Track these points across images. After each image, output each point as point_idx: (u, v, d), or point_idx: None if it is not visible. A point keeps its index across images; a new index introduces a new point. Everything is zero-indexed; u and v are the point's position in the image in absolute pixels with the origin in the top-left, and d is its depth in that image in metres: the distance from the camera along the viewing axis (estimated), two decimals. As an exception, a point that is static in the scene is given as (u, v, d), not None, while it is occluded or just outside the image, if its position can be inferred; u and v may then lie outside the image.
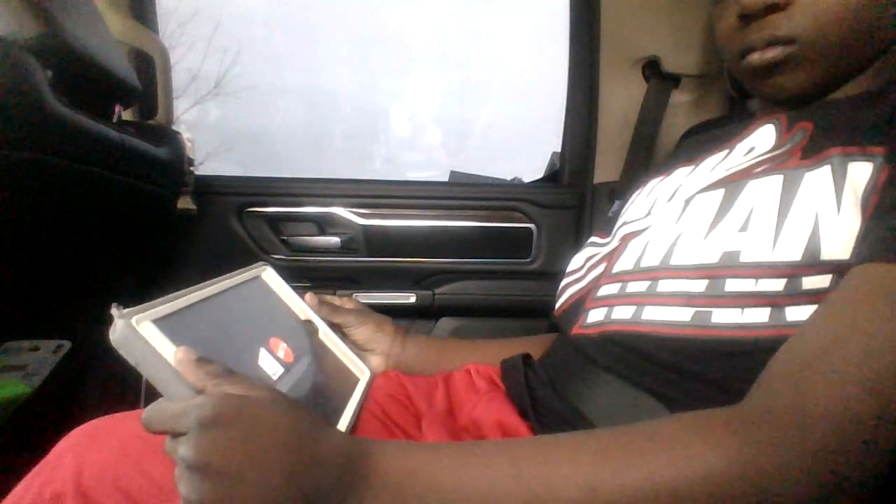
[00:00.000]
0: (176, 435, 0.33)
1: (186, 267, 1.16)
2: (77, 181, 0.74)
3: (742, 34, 0.52)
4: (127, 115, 1.10)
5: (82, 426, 0.51)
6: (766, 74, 0.52)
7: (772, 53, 0.50)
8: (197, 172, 1.11)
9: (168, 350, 0.37)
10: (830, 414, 0.32)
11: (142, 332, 0.36)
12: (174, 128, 1.11)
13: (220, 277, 0.50)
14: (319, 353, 0.58)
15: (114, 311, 0.36)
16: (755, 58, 0.51)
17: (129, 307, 0.37)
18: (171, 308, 0.40)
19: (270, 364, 0.48)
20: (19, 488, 0.48)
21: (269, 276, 0.60)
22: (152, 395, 1.22)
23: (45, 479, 0.47)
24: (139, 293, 1.09)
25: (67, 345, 0.90)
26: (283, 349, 0.51)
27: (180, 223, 1.09)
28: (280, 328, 0.54)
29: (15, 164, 0.63)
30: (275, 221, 1.18)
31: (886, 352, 0.33)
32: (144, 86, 0.97)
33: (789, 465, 0.32)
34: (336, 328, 0.65)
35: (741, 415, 0.35)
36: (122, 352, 0.36)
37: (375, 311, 0.70)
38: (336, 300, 0.69)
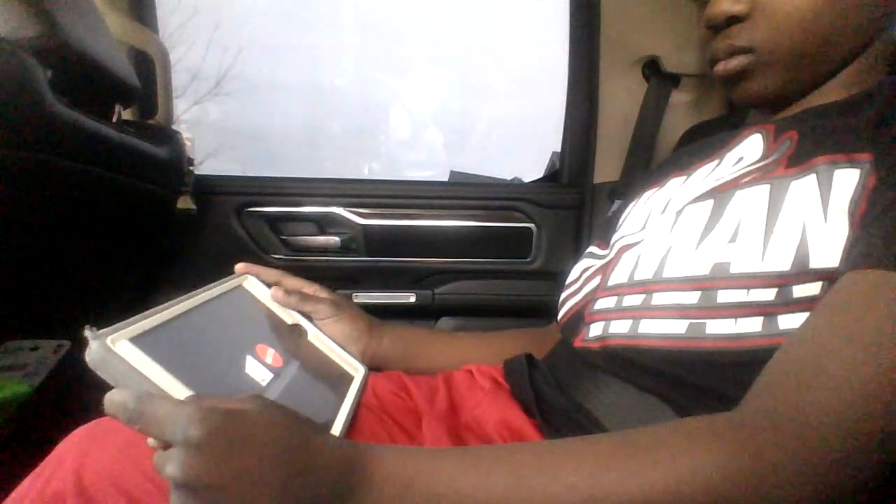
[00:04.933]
0: (161, 443, 0.33)
1: (186, 267, 1.16)
2: (77, 181, 0.74)
3: (711, 44, 0.55)
4: (127, 114, 1.10)
5: (83, 426, 0.51)
6: (732, 82, 0.55)
7: (733, 63, 0.53)
8: (197, 172, 1.11)
9: (148, 367, 0.36)
10: (827, 420, 0.33)
11: (118, 352, 0.36)
12: (174, 127, 1.11)
13: (199, 290, 0.50)
14: (310, 355, 0.57)
15: (87, 332, 0.35)
16: (720, 67, 0.54)
17: (108, 324, 0.37)
18: (148, 325, 0.40)
19: (258, 370, 0.47)
20: (20, 488, 0.48)
21: (251, 284, 0.59)
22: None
23: (46, 479, 0.47)
24: (139, 293, 1.10)
25: (67, 345, 0.90)
26: (271, 355, 0.50)
27: (180, 223, 1.09)
28: (267, 334, 0.54)
29: (15, 164, 0.63)
30: (274, 221, 1.18)
31: (880, 356, 0.33)
32: (144, 86, 0.97)
33: (789, 472, 0.32)
34: (308, 319, 0.63)
35: (740, 422, 0.35)
36: (100, 373, 0.35)
37: (351, 303, 0.67)
38: (307, 287, 0.65)
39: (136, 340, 0.37)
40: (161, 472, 0.32)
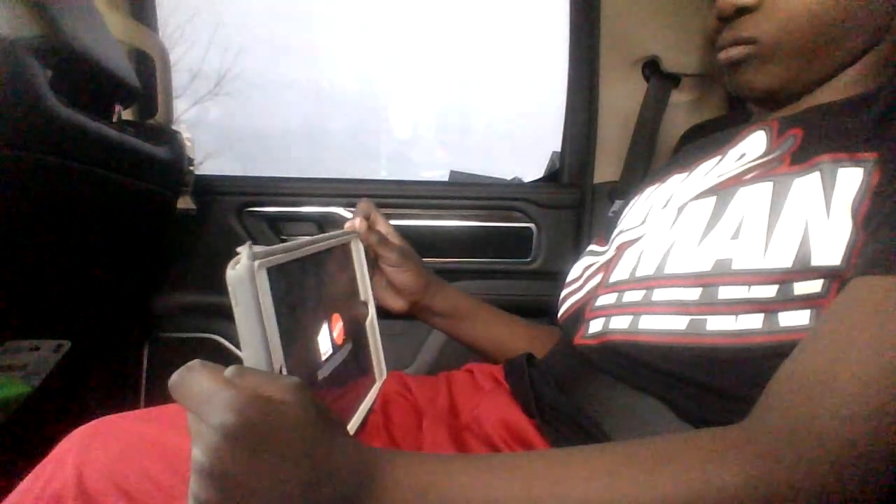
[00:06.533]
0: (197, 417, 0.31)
1: (186, 267, 1.16)
2: (77, 181, 0.74)
3: (719, 34, 0.56)
4: (127, 114, 1.10)
5: (83, 426, 0.51)
6: (733, 71, 0.56)
7: (735, 51, 0.54)
8: (197, 172, 1.11)
9: (265, 301, 0.36)
10: (842, 433, 0.32)
11: (257, 277, 0.35)
12: (174, 127, 1.11)
13: (317, 236, 0.49)
14: (360, 341, 0.57)
15: (245, 248, 0.35)
16: (722, 55, 0.56)
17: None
18: (285, 259, 0.40)
19: (325, 341, 0.46)
20: (21, 488, 0.48)
21: (356, 246, 0.59)
22: (152, 394, 1.22)
23: (47, 479, 0.47)
24: (139, 293, 1.10)
25: (67, 345, 0.90)
26: (338, 328, 0.50)
27: (180, 223, 1.09)
28: (343, 305, 0.53)
29: (15, 164, 0.63)
30: (275, 221, 1.18)
31: (891, 365, 0.33)
32: (144, 86, 0.97)
33: (804, 487, 0.32)
34: (373, 257, 0.63)
35: (754, 435, 0.34)
36: (231, 289, 0.35)
37: (416, 257, 0.68)
38: (384, 226, 0.66)
39: (271, 272, 0.37)
40: (192, 437, 0.31)
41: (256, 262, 0.35)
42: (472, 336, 0.72)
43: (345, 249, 0.57)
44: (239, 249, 0.35)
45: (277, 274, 0.38)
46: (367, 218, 0.63)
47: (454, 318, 0.70)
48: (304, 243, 0.44)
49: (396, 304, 0.67)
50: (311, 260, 0.46)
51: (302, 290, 0.44)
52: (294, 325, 0.41)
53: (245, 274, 0.35)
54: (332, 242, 0.52)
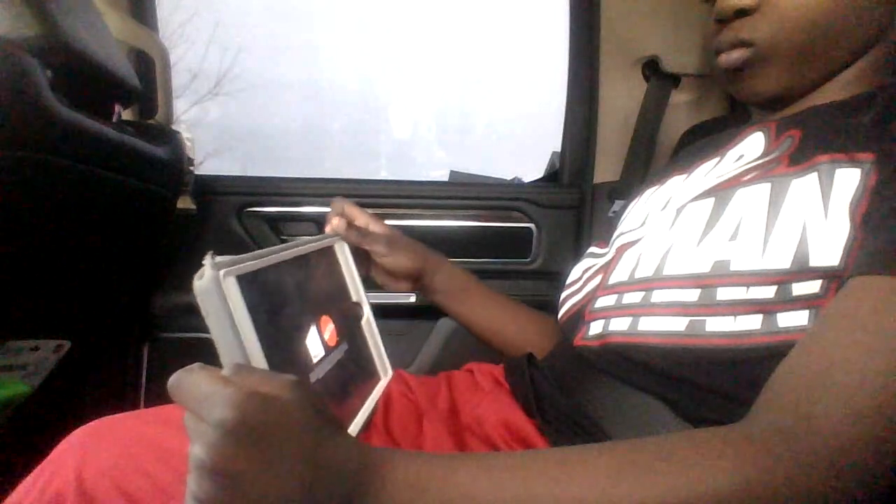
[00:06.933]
0: (196, 416, 0.32)
1: (186, 267, 1.16)
2: (77, 181, 0.74)
3: (717, 37, 0.55)
4: (127, 114, 1.10)
5: (83, 427, 0.52)
6: (734, 75, 0.55)
7: (734, 55, 0.53)
8: (197, 172, 1.11)
9: (238, 309, 0.36)
10: (839, 433, 0.32)
11: (223, 287, 0.36)
12: (174, 127, 1.11)
13: (297, 241, 0.49)
14: (357, 341, 0.57)
15: (207, 259, 0.36)
16: (722, 59, 0.55)
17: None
18: (255, 266, 0.40)
19: (315, 344, 0.46)
20: (20, 488, 0.48)
21: (340, 248, 0.59)
22: (152, 394, 1.22)
23: (47, 479, 0.47)
24: (139, 293, 1.10)
25: (67, 345, 0.90)
26: (329, 330, 0.50)
27: (180, 223, 1.09)
28: (332, 306, 0.53)
29: (15, 164, 0.63)
30: (275, 221, 1.18)
31: (889, 365, 0.33)
32: (144, 86, 0.97)
33: (802, 487, 0.32)
34: (362, 252, 0.63)
35: (753, 435, 0.34)
36: (199, 300, 0.35)
37: (404, 239, 0.68)
38: (362, 218, 0.65)
39: (241, 280, 0.37)
40: (189, 435, 0.31)
41: (222, 272, 0.36)
42: (471, 315, 0.71)
43: (328, 252, 0.57)
44: (204, 261, 0.36)
45: (249, 281, 0.38)
46: (344, 216, 0.63)
47: (453, 293, 0.70)
48: (274, 249, 0.44)
49: (400, 286, 0.67)
50: (290, 265, 0.46)
51: (281, 296, 0.44)
52: (275, 330, 0.41)
53: (209, 284, 0.35)
54: (313, 247, 0.52)
